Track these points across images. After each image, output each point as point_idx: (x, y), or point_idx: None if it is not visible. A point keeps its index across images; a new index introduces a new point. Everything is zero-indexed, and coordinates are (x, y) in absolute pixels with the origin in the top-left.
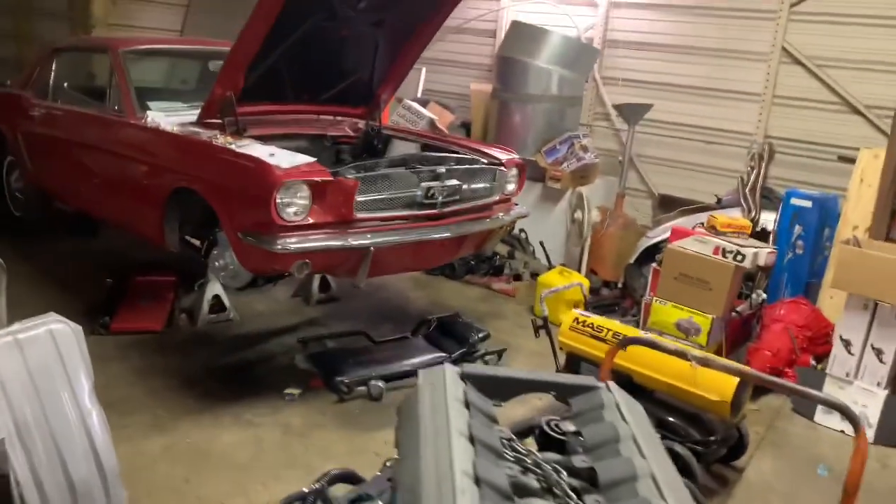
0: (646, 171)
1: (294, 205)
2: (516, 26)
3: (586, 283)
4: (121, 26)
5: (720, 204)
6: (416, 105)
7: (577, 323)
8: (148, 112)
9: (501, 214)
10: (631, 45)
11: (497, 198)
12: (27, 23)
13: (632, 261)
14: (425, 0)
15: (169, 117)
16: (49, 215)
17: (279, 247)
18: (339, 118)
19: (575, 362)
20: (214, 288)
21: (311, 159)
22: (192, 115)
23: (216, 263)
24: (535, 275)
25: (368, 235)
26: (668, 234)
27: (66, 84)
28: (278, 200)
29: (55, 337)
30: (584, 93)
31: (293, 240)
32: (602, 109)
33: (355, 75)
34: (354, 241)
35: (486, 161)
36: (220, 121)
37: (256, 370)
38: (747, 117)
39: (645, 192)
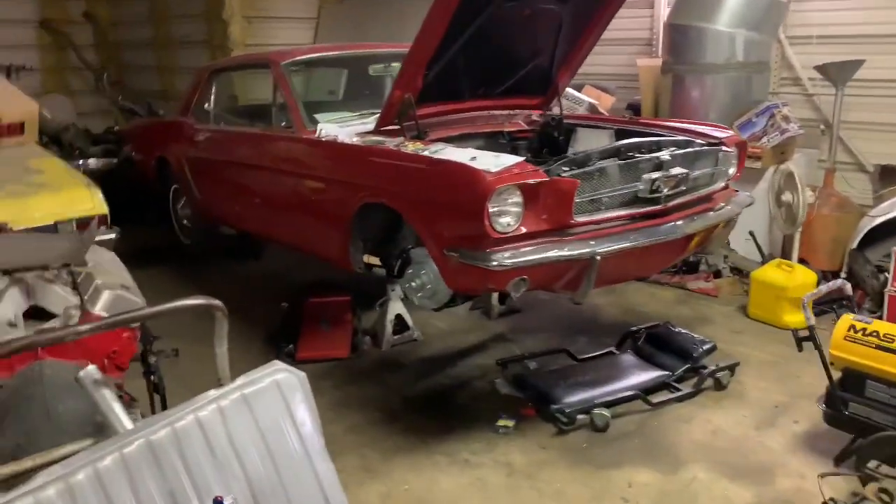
0: (851, 139)
1: (507, 213)
2: None
3: (813, 278)
4: (257, 46)
5: None
6: (571, 90)
7: (855, 331)
8: (319, 125)
9: (726, 204)
10: None
11: (723, 184)
12: (168, 54)
13: (854, 246)
14: None
15: (342, 128)
16: (216, 241)
17: (494, 263)
18: (513, 111)
19: (857, 380)
20: (396, 307)
21: (519, 158)
22: (365, 123)
23: (412, 284)
24: (736, 270)
25: (591, 242)
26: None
27: (227, 105)
28: (491, 209)
29: (282, 389)
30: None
31: (508, 254)
32: (789, 74)
33: (533, 62)
34: (577, 251)
35: (703, 142)
36: (397, 126)
37: (457, 398)
38: None
39: (852, 164)
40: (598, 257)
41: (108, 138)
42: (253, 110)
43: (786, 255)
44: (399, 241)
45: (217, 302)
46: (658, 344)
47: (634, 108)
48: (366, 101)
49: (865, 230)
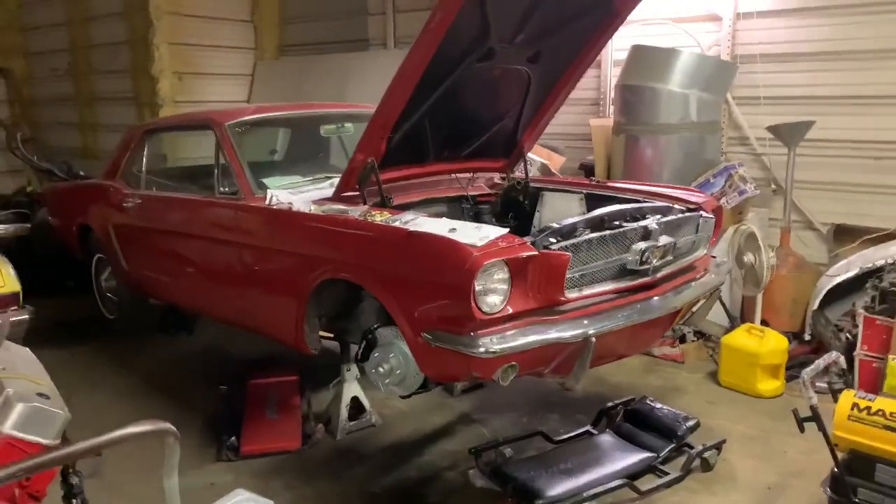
0: (801, 199)
1: (493, 291)
2: (639, 51)
3: (785, 343)
4: (188, 103)
5: None
6: None
7: (859, 410)
8: (269, 191)
9: (708, 272)
10: (768, 58)
11: (703, 252)
12: (90, 110)
13: (815, 307)
14: (586, 22)
15: (295, 195)
16: (144, 315)
17: (480, 349)
18: (475, 174)
19: (865, 464)
20: (352, 389)
21: (502, 230)
22: (320, 189)
23: (379, 369)
24: (699, 333)
25: (585, 321)
26: (854, 272)
27: (161, 168)
28: (477, 288)
29: None
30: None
31: (496, 338)
32: (736, 133)
33: (500, 123)
34: (571, 332)
35: (682, 208)
36: (356, 192)
37: (428, 494)
38: None
39: (802, 223)
40: (594, 339)
41: (21, 201)
42: (191, 173)
43: (745, 316)
44: (359, 317)
45: (168, 426)
46: (638, 421)
47: (587, 169)
48: (313, 164)
49: (825, 290)
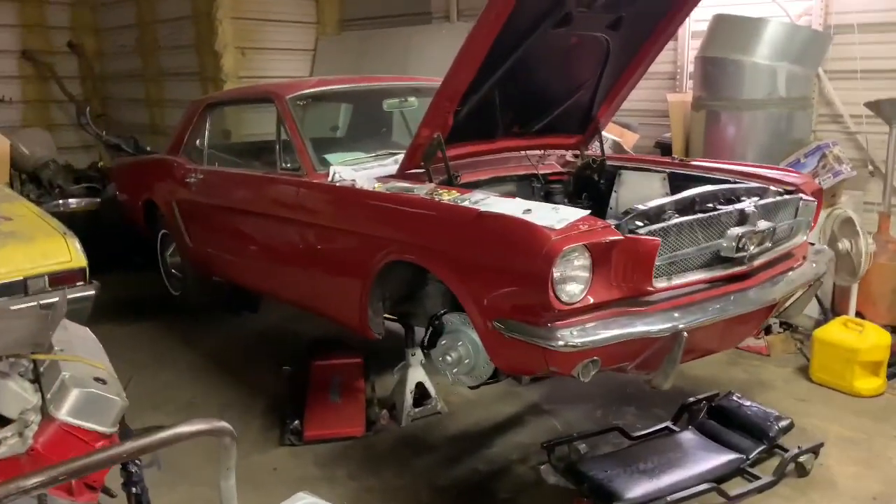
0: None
1: (573, 279)
2: (722, 20)
3: (887, 338)
4: (251, 79)
5: None
6: None
7: None
8: (331, 168)
9: (808, 260)
10: (866, 28)
11: (803, 238)
12: (156, 86)
13: None
14: None
15: (359, 172)
16: (208, 293)
17: (559, 342)
18: (546, 152)
19: None
20: (417, 374)
21: (583, 212)
22: (384, 166)
23: (446, 357)
24: (786, 325)
25: (675, 314)
26: None
27: (223, 143)
28: (556, 275)
29: None
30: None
31: (576, 330)
32: (827, 111)
33: (574, 96)
34: (660, 325)
35: (779, 189)
36: (422, 169)
37: (497, 489)
38: None
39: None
40: (685, 333)
41: (92, 175)
42: (252, 148)
43: (838, 308)
44: (424, 301)
45: (224, 425)
46: (724, 419)
47: (663, 147)
48: (376, 140)
49: None
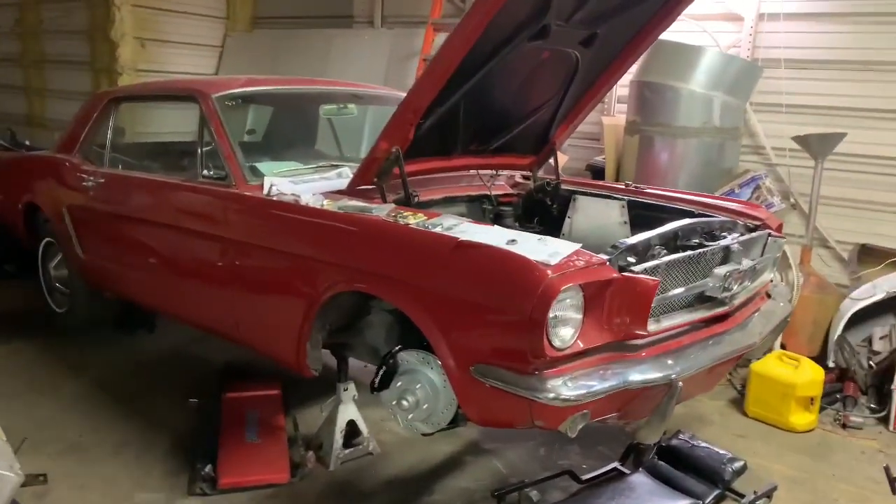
0: (820, 215)
1: (567, 322)
2: (661, 46)
3: (821, 373)
4: (151, 73)
5: None
6: None
7: None
8: (266, 179)
9: (775, 299)
10: (792, 64)
11: (770, 276)
12: (38, 73)
13: (839, 332)
14: (647, 7)
15: (299, 185)
16: (100, 310)
17: (549, 394)
18: (497, 172)
19: None
20: (349, 411)
21: (575, 245)
22: (326, 179)
23: (402, 402)
24: None
25: (669, 361)
26: (881, 296)
27: (129, 144)
28: (550, 317)
29: None
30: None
31: (568, 381)
32: (750, 141)
33: (536, 114)
34: (655, 374)
35: (748, 224)
36: (374, 186)
37: None
38: None
39: (820, 240)
40: (680, 381)
41: None
42: (163, 150)
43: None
44: (365, 332)
45: None
46: (674, 460)
47: (595, 170)
48: (304, 150)
49: (848, 314)
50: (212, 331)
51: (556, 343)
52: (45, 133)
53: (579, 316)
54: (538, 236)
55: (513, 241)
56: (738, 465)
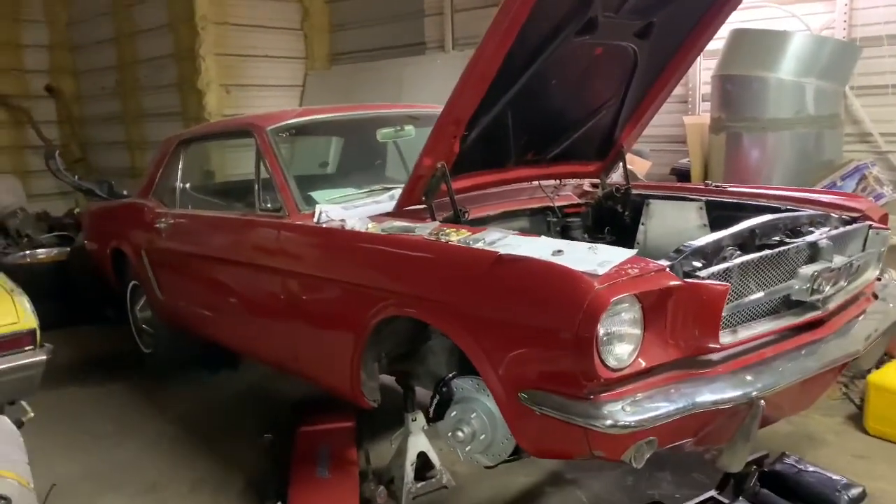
0: None
1: (622, 338)
2: (741, 35)
3: None
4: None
5: None
6: None
7: None
8: (317, 206)
9: (884, 300)
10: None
11: (875, 274)
12: (138, 128)
13: None
14: None
15: (348, 210)
16: (183, 350)
17: (607, 420)
18: (562, 182)
19: None
20: (418, 442)
21: (629, 251)
22: (378, 203)
23: (457, 433)
24: None
25: (747, 376)
26: None
27: (197, 184)
28: (601, 334)
29: None
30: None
31: (626, 404)
32: (855, 129)
33: (596, 116)
34: (731, 393)
35: (844, 217)
36: (423, 205)
37: None
38: None
39: None
40: (762, 401)
41: (66, 223)
42: (231, 189)
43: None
44: (428, 358)
45: None
46: (780, 488)
47: (680, 174)
48: (369, 175)
49: None
50: (276, 365)
51: (611, 362)
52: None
53: (638, 331)
54: (589, 244)
55: (559, 251)
56: (855, 491)
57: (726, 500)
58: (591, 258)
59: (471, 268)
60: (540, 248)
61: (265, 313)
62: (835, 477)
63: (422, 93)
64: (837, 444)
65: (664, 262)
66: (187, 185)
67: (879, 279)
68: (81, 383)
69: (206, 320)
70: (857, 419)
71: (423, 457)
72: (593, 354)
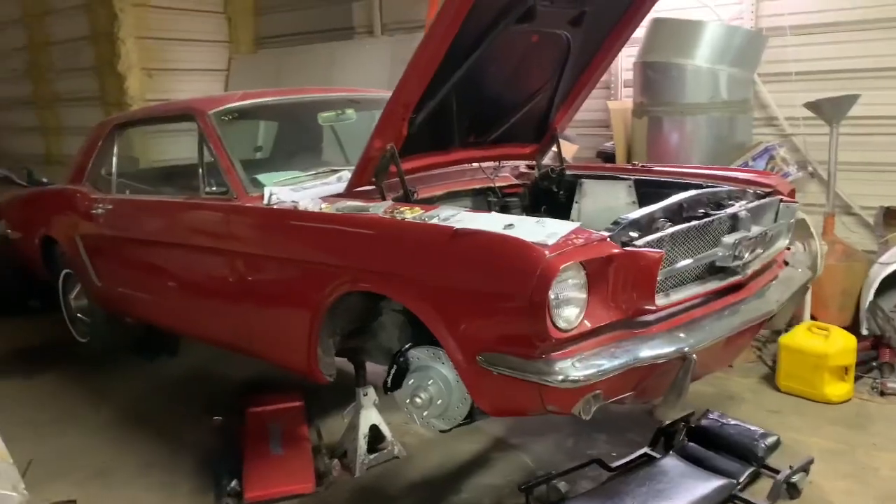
0: (840, 181)
1: (570, 302)
2: (660, 24)
3: (853, 341)
4: (160, 101)
5: None
6: None
7: None
8: (266, 188)
9: (793, 266)
10: (798, 30)
11: (786, 243)
12: (52, 113)
13: (870, 298)
14: None
15: (298, 192)
16: (121, 336)
17: (558, 376)
18: (500, 163)
19: None
20: (370, 416)
21: (573, 224)
22: (326, 185)
23: (415, 399)
24: None
25: (681, 334)
26: None
27: (134, 169)
28: (552, 298)
29: None
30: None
31: (577, 361)
32: (762, 113)
33: (533, 101)
34: (667, 348)
35: (757, 191)
36: (373, 186)
37: None
38: None
39: (842, 207)
40: (694, 355)
41: None
42: (169, 173)
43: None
44: (379, 333)
45: None
46: (705, 441)
47: (606, 156)
48: (309, 159)
49: (878, 279)
50: (228, 346)
51: (561, 324)
52: (63, 170)
53: (583, 295)
54: (536, 219)
55: (510, 225)
56: (770, 440)
57: (658, 455)
58: (540, 230)
59: (428, 242)
60: (492, 222)
61: (213, 294)
62: (752, 428)
63: (351, 77)
64: (754, 401)
65: (605, 233)
66: (124, 170)
67: (789, 248)
68: (14, 377)
69: (149, 305)
70: (770, 378)
71: (374, 430)
72: (545, 317)
